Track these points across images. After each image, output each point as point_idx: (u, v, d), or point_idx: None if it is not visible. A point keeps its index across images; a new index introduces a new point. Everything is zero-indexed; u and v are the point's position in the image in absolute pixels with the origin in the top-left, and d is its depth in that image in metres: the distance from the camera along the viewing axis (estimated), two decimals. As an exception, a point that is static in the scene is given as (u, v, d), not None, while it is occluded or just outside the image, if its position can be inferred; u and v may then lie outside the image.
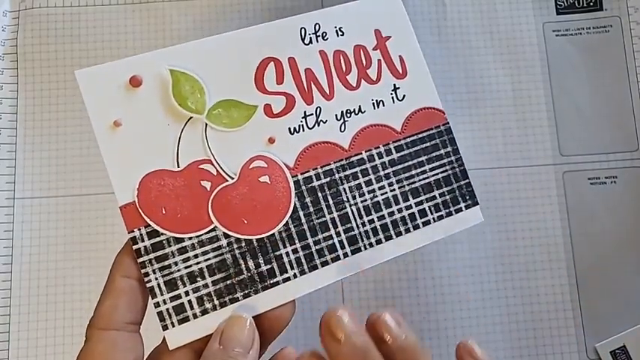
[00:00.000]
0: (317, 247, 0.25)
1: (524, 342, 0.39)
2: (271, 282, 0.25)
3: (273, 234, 0.25)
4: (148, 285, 0.24)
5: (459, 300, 0.40)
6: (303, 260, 0.25)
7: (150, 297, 0.24)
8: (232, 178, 0.25)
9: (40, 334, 0.39)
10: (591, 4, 0.44)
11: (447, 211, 0.27)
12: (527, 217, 0.41)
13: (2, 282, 0.39)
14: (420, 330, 0.39)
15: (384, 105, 0.27)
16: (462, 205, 0.27)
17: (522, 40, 0.44)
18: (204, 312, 0.24)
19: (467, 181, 0.28)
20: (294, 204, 0.25)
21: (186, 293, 0.24)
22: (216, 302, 0.24)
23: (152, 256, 0.24)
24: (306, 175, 0.26)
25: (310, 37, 0.27)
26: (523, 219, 0.41)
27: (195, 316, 0.24)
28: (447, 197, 0.27)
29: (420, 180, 0.27)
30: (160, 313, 0.24)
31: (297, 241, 0.25)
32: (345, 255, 0.26)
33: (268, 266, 0.25)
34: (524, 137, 0.42)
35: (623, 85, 0.43)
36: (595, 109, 0.43)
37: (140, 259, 0.24)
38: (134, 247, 0.24)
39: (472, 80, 0.43)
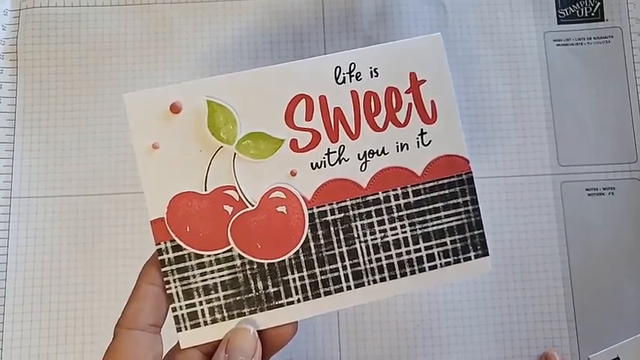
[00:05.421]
0: (323, 277, 0.27)
1: (517, 352, 0.40)
2: (276, 303, 0.27)
3: (284, 260, 0.27)
4: (168, 292, 0.27)
5: (453, 309, 0.40)
6: (308, 288, 0.27)
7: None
8: (252, 206, 0.27)
9: (33, 334, 0.39)
10: (592, 14, 0.43)
11: (456, 258, 0.28)
12: (524, 226, 0.41)
13: (-3, 282, 0.39)
14: (414, 338, 0.40)
15: (407, 149, 0.28)
16: (472, 254, 0.28)
17: (523, 49, 0.43)
18: (214, 321, 0.27)
19: (481, 231, 0.28)
20: (307, 235, 0.27)
21: (200, 303, 0.27)
22: (225, 314, 0.27)
23: (174, 267, 0.27)
24: (322, 209, 0.28)
25: (344, 77, 0.28)
26: (520, 228, 0.41)
27: (205, 323, 0.27)
28: (458, 245, 0.28)
29: (433, 225, 0.28)
30: (176, 317, 0.27)
31: (304, 270, 0.27)
32: (349, 288, 0.28)
33: (275, 289, 0.27)
34: (522, 147, 0.42)
35: (623, 96, 0.42)
36: (595, 120, 0.42)
37: (163, 269, 0.27)
38: (159, 257, 0.27)
39: (472, 88, 0.43)
